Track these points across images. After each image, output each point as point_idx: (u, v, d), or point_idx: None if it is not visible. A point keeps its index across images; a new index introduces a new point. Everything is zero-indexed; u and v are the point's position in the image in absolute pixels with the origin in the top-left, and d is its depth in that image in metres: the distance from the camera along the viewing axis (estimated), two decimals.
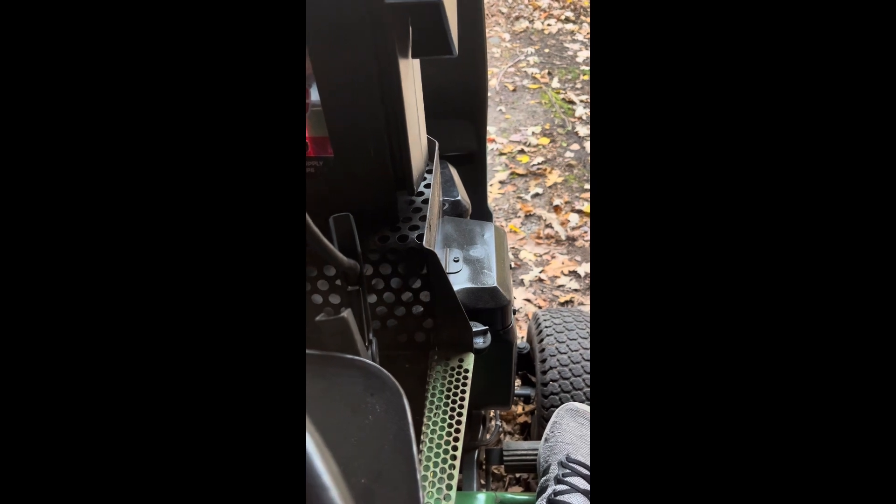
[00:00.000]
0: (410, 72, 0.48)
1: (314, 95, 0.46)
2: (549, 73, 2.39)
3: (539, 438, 0.77)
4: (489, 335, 0.61)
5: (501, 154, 1.96)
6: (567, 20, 2.76)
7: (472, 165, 0.96)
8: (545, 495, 0.62)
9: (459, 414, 0.53)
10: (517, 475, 1.07)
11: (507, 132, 2.06)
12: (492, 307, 0.62)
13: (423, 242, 0.50)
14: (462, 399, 0.54)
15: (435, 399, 0.54)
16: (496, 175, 1.86)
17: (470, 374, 0.56)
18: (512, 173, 1.87)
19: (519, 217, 1.71)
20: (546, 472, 0.67)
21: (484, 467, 0.91)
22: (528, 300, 1.45)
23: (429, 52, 0.45)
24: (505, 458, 0.84)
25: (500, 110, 2.18)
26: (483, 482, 0.91)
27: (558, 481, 0.62)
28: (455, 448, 0.50)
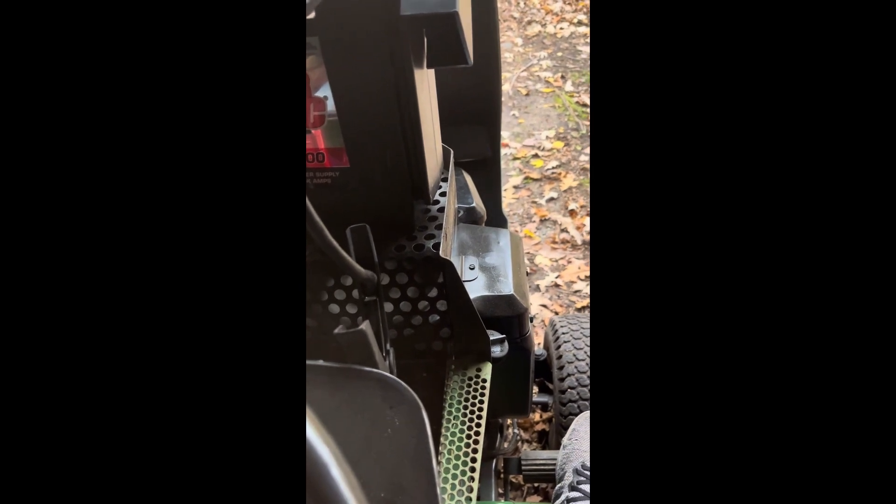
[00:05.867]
0: (426, 81, 0.48)
1: (330, 106, 0.47)
2: (563, 77, 2.38)
3: (558, 447, 0.76)
4: (506, 344, 0.60)
5: (515, 159, 1.95)
6: (580, 23, 2.75)
7: (487, 171, 0.96)
8: (558, 502, 0.62)
9: (478, 424, 0.52)
10: (535, 485, 1.06)
11: (520, 137, 2.06)
12: (508, 315, 0.61)
13: (440, 252, 0.50)
14: (480, 409, 0.54)
15: (453, 409, 0.54)
16: (510, 180, 1.86)
17: (488, 384, 0.56)
18: (526, 178, 1.87)
19: (534, 222, 1.70)
20: (562, 478, 0.67)
21: (502, 476, 0.90)
22: (545, 306, 1.44)
23: (444, 61, 0.45)
24: (524, 467, 0.83)
25: (514, 115, 2.17)
26: (501, 492, 0.90)
27: (572, 488, 0.62)
28: (474, 458, 0.50)
